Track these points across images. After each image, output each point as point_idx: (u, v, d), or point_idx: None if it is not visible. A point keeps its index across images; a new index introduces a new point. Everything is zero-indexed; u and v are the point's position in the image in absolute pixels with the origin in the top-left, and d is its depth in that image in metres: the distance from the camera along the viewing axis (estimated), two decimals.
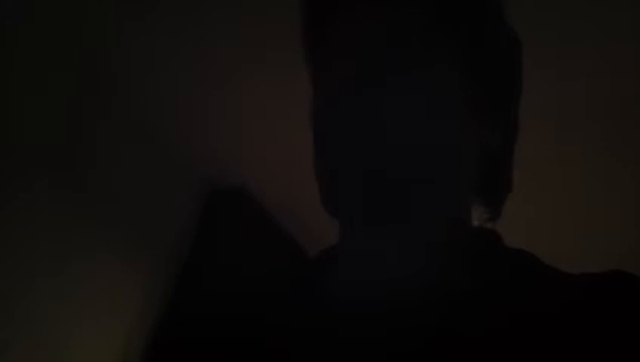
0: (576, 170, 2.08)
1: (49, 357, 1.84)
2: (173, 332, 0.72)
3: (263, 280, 0.70)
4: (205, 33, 1.84)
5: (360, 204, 0.60)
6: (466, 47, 0.63)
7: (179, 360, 0.66)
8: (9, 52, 1.81)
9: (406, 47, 0.60)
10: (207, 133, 2.20)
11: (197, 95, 2.05)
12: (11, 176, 1.81)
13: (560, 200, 2.22)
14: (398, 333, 0.56)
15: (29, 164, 1.85)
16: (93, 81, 1.99)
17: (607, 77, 1.76)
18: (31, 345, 1.80)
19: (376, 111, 0.58)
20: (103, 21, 1.85)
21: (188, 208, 2.26)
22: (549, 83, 1.74)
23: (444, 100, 0.61)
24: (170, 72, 1.98)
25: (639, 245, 2.13)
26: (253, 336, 0.62)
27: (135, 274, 2.11)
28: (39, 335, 1.82)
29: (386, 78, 0.59)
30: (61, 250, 1.91)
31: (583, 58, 1.72)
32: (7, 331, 1.75)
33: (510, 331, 0.54)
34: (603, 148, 1.98)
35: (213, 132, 2.19)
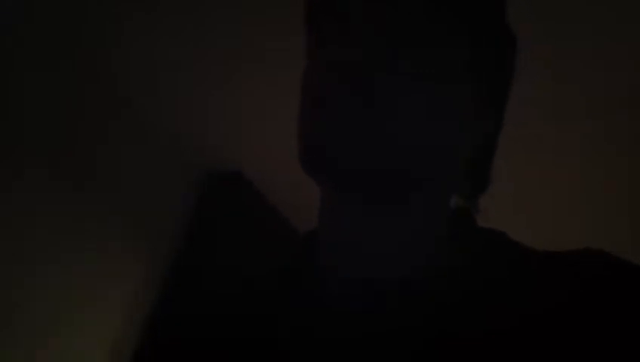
0: (575, 168, 2.08)
1: (48, 355, 1.84)
2: (170, 330, 0.72)
3: (262, 278, 0.70)
4: (205, 33, 1.84)
5: (355, 195, 0.61)
6: (470, 44, 0.63)
7: (176, 356, 0.66)
8: (9, 52, 1.81)
9: (410, 45, 0.60)
10: (207, 133, 2.20)
11: (197, 95, 2.05)
12: (11, 175, 1.81)
13: (560, 198, 2.22)
14: (395, 332, 0.56)
15: (29, 164, 1.85)
16: (93, 81, 1.99)
17: (606, 76, 1.76)
18: (30, 344, 1.80)
19: (381, 109, 0.58)
20: (103, 21, 1.85)
21: (187, 207, 2.26)
22: (548, 82, 1.74)
23: (449, 98, 0.61)
24: (170, 72, 1.98)
25: (638, 243, 2.13)
26: (251, 334, 0.62)
27: (135, 272, 2.11)
28: (39, 334, 1.83)
29: (390, 76, 0.59)
30: (61, 248, 1.91)
31: (582, 58, 1.72)
32: (6, 330, 1.75)
33: (507, 329, 0.54)
34: (603, 147, 1.98)
35: (213, 132, 2.19)
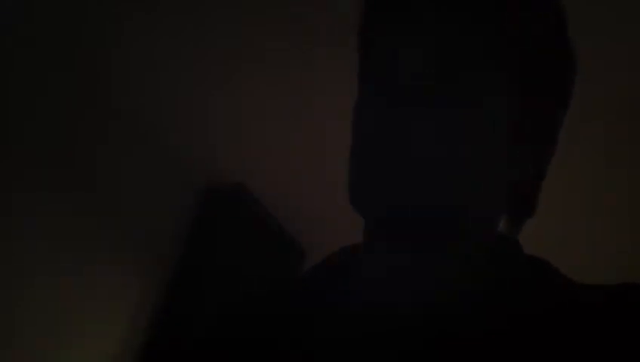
0: (575, 168, 2.08)
1: (49, 356, 1.84)
2: (171, 332, 0.72)
3: (262, 280, 0.70)
4: (205, 33, 1.84)
5: (389, 236, 0.60)
6: (517, 78, 0.61)
7: (177, 356, 0.66)
8: (9, 52, 1.81)
9: (456, 74, 0.59)
10: (207, 133, 2.20)
11: (197, 95, 2.05)
12: (11, 176, 1.81)
13: (559, 198, 2.22)
14: (396, 333, 0.56)
15: (29, 164, 1.85)
16: (93, 81, 1.99)
17: (606, 76, 1.76)
18: (31, 344, 1.80)
19: (422, 135, 0.58)
20: (103, 21, 1.85)
21: (188, 208, 2.26)
22: None
23: (490, 129, 0.60)
24: (170, 72, 1.98)
25: (638, 243, 2.13)
26: (251, 334, 0.62)
27: (135, 274, 2.11)
28: (39, 334, 1.82)
29: (432, 103, 0.58)
30: (61, 249, 1.91)
31: (582, 58, 1.72)
32: (6, 330, 1.75)
33: (510, 333, 0.54)
34: (603, 147, 1.98)
35: (213, 132, 2.19)
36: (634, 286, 0.57)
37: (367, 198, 0.58)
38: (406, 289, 0.60)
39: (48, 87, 1.91)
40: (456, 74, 0.59)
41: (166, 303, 2.09)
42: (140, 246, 2.13)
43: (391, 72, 0.59)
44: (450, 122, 0.58)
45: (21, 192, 1.83)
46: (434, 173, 0.57)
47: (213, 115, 2.13)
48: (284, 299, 0.65)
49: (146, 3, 1.77)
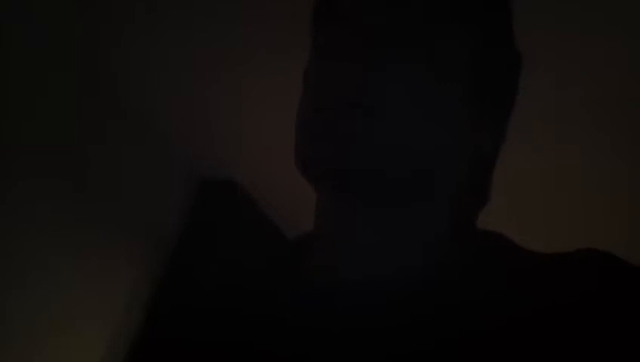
0: (575, 170, 2.08)
1: (47, 355, 1.84)
2: (166, 330, 0.72)
3: (257, 277, 0.70)
4: (205, 33, 1.84)
5: (354, 198, 0.61)
6: (473, 48, 0.62)
7: (172, 356, 0.66)
8: (9, 52, 1.81)
9: (411, 39, 0.60)
10: (206, 132, 2.20)
11: (197, 95, 2.05)
12: (11, 175, 1.81)
13: (558, 200, 2.22)
14: (394, 332, 0.56)
15: (28, 163, 1.85)
16: (93, 81, 1.99)
17: (605, 78, 1.76)
18: (29, 344, 1.80)
19: (373, 106, 0.58)
20: (103, 21, 1.85)
21: (188, 208, 2.26)
22: (547, 84, 1.74)
23: (444, 99, 0.61)
24: (170, 72, 1.98)
25: (637, 245, 2.13)
26: (245, 333, 0.62)
27: (132, 274, 2.11)
28: (38, 334, 1.83)
29: (386, 71, 0.59)
30: (60, 248, 1.91)
31: (581, 59, 1.72)
32: (6, 330, 1.75)
33: (507, 328, 0.54)
34: (601, 148, 1.98)
35: (213, 132, 2.19)
36: (594, 253, 0.58)
37: (326, 158, 0.59)
38: (379, 261, 0.61)
39: (48, 87, 1.91)
40: (419, 25, 0.60)
41: (161, 298, 2.09)
42: (135, 240, 2.13)
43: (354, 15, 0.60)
44: (410, 90, 0.59)
45: (20, 193, 1.83)
46: (396, 141, 0.58)
47: (213, 115, 2.13)
48: (274, 294, 0.65)
49: (146, 3, 1.77)
